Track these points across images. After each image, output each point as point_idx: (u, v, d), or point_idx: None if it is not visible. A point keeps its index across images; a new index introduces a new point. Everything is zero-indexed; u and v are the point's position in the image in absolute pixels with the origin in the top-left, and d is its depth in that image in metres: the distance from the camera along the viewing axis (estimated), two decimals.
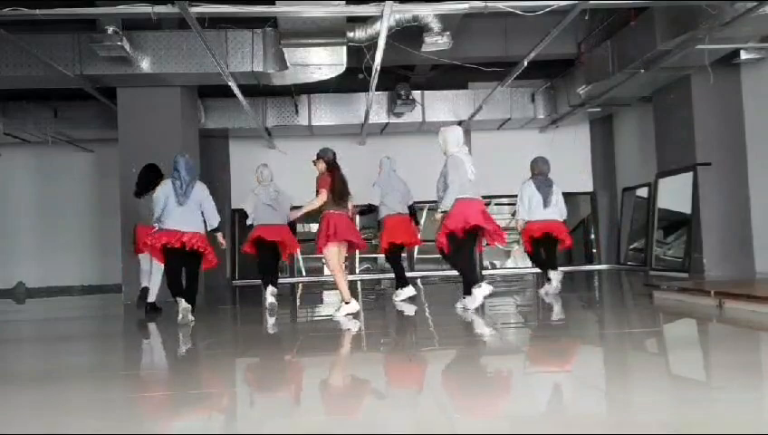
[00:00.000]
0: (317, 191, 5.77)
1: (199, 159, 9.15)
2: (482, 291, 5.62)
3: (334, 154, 5.92)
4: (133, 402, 3.03)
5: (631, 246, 10.49)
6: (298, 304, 8.15)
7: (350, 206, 5.96)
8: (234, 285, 11.04)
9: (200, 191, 5.84)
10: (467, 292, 5.73)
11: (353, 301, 5.79)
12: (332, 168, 5.85)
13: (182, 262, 5.80)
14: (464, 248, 5.73)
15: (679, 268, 8.38)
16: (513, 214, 7.00)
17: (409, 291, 7.01)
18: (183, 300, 5.68)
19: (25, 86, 8.44)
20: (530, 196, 6.79)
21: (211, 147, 10.85)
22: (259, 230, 6.68)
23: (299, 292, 9.65)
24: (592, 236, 11.82)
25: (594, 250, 11.77)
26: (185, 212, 5.71)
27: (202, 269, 6.10)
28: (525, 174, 7.14)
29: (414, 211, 7.27)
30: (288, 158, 11.16)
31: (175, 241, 5.63)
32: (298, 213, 6.22)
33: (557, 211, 6.82)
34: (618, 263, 10.97)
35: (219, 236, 6.01)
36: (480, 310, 5.70)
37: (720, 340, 4.27)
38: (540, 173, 6.92)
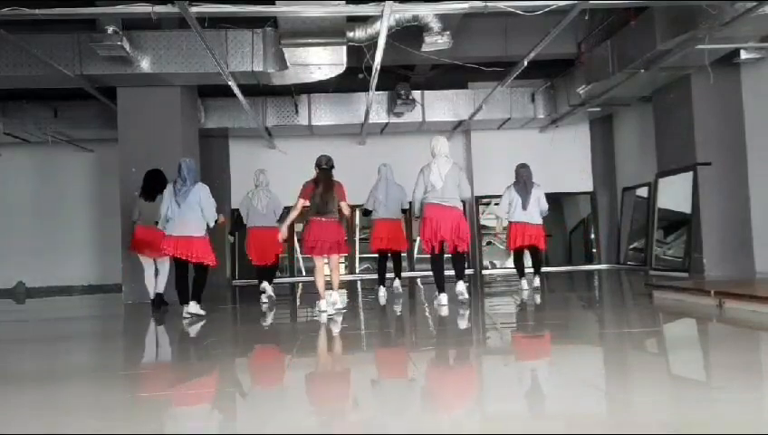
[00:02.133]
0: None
1: (199, 159, 9.15)
2: (439, 300, 6.12)
3: (327, 160, 5.97)
4: (133, 402, 3.03)
5: (631, 246, 10.49)
6: (298, 303, 8.15)
7: (344, 209, 5.93)
8: (234, 285, 11.03)
9: (199, 191, 6.06)
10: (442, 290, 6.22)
11: (324, 300, 5.94)
12: (319, 175, 5.91)
13: (187, 268, 6.17)
14: (436, 256, 6.21)
15: (679, 268, 8.38)
16: (507, 213, 7.49)
17: (383, 292, 7.45)
18: (187, 306, 6.12)
19: (25, 86, 8.44)
20: (510, 199, 7.36)
21: (211, 147, 10.85)
22: (252, 235, 7.36)
23: (299, 291, 9.65)
24: (592, 236, 11.82)
25: (594, 250, 11.77)
26: (185, 213, 5.96)
27: (213, 264, 6.29)
28: None
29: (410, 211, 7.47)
30: (288, 158, 11.17)
31: (179, 253, 5.97)
32: (284, 227, 6.27)
33: (537, 214, 7.32)
34: (618, 263, 10.97)
35: (220, 217, 6.28)
36: (480, 309, 5.71)
37: (720, 340, 4.27)
38: (520, 178, 7.38)
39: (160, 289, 7.03)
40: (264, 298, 7.40)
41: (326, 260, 6.02)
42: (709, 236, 8.07)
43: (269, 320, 6.40)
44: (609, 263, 11.35)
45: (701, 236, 8.11)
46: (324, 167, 5.94)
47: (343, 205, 5.92)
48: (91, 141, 11.50)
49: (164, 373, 3.92)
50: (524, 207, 7.23)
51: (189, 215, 5.98)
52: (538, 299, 6.76)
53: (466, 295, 6.13)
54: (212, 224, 6.14)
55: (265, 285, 7.46)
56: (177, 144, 8.24)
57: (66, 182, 11.93)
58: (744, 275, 7.72)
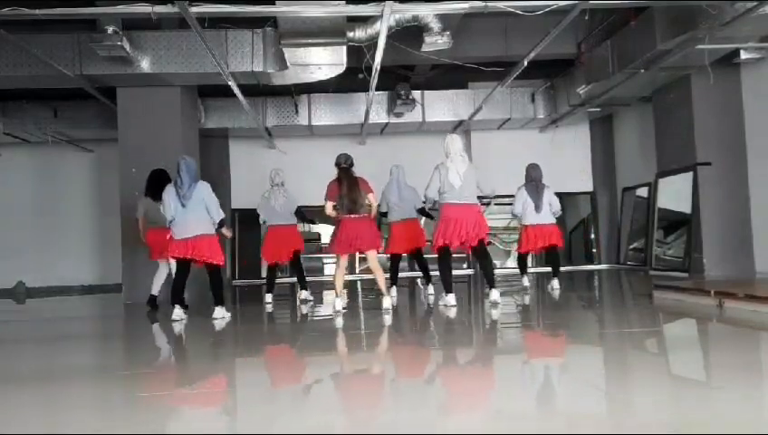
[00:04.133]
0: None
1: (199, 159, 9.14)
2: (446, 300, 6.06)
3: (346, 159, 5.98)
4: (133, 402, 3.03)
5: (631, 246, 10.49)
6: (298, 303, 8.14)
7: (372, 203, 5.94)
8: (234, 285, 11.03)
9: (202, 190, 5.93)
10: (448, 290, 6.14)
11: (340, 299, 6.05)
12: (341, 174, 5.91)
13: (188, 270, 6.06)
14: (445, 255, 6.14)
15: (679, 268, 8.38)
16: (514, 216, 7.54)
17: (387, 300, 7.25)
18: (178, 307, 5.98)
19: (25, 86, 8.44)
20: (523, 201, 7.27)
21: (211, 147, 10.85)
22: (270, 233, 7.26)
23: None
24: (592, 236, 11.82)
25: (594, 250, 11.77)
26: (191, 213, 5.82)
27: (222, 263, 6.17)
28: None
29: (426, 212, 7.47)
30: (288, 157, 11.18)
31: (190, 254, 5.86)
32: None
33: (549, 214, 7.25)
34: (618, 263, 10.97)
35: (224, 229, 6.17)
36: (481, 309, 5.71)
37: (720, 340, 4.27)
38: (532, 180, 7.31)
39: (155, 291, 7.01)
40: (269, 299, 7.32)
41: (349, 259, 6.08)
42: (709, 236, 8.07)
43: (270, 320, 6.40)
44: (609, 263, 11.35)
45: (701, 236, 8.11)
46: (344, 166, 5.93)
47: (371, 197, 5.92)
48: (91, 141, 11.50)
49: (164, 373, 3.92)
50: (537, 209, 7.15)
51: (195, 214, 5.83)
52: (531, 299, 6.76)
53: (499, 301, 6.01)
54: (216, 220, 5.95)
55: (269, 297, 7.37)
56: (178, 144, 8.23)
57: (66, 182, 11.92)
58: (743, 275, 7.71)
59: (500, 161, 10.21)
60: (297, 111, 10.45)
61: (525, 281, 7.60)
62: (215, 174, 10.65)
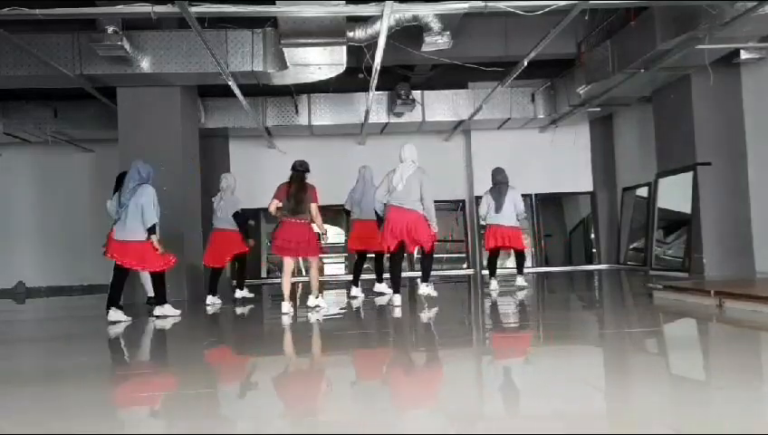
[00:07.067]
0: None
1: (199, 159, 9.15)
2: (393, 298, 6.44)
3: (300, 164, 6.27)
4: (132, 402, 3.03)
5: (631, 246, 10.49)
6: (297, 304, 8.14)
7: (314, 212, 6.13)
8: (233, 285, 11.01)
9: (141, 195, 5.94)
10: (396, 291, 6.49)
11: (287, 303, 6.15)
12: (292, 176, 6.19)
13: (127, 270, 6.17)
14: (395, 256, 6.52)
15: (679, 268, 8.38)
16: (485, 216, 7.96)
17: (355, 292, 7.69)
18: (114, 309, 6.10)
19: (25, 86, 8.43)
20: (487, 203, 7.79)
21: (211, 147, 10.83)
22: (212, 237, 7.71)
23: (298, 292, 9.63)
24: (592, 236, 11.82)
25: (594, 250, 11.77)
26: (128, 216, 5.93)
27: (158, 270, 6.19)
28: (524, 174, 7.60)
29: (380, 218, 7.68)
30: (288, 157, 11.15)
31: (116, 256, 5.97)
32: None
33: (511, 216, 7.67)
34: (618, 263, 10.97)
35: (153, 238, 6.01)
36: (480, 308, 5.70)
37: (720, 340, 4.27)
38: (496, 183, 7.77)
39: (149, 291, 7.12)
40: (211, 301, 7.55)
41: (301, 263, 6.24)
42: (709, 236, 8.07)
43: (266, 321, 6.40)
44: (609, 263, 11.35)
45: (701, 236, 8.11)
46: (299, 169, 6.22)
47: (313, 207, 6.15)
48: (91, 141, 11.50)
49: (163, 373, 3.92)
50: (497, 210, 7.62)
51: (130, 219, 5.91)
52: (521, 297, 6.76)
53: (425, 293, 6.52)
54: (147, 224, 5.90)
55: (212, 298, 7.60)
56: (177, 144, 8.24)
57: (66, 182, 11.92)
58: (743, 275, 7.71)
59: (500, 161, 10.15)
60: (297, 111, 10.45)
61: (493, 284, 7.69)
62: (214, 174, 10.64)
